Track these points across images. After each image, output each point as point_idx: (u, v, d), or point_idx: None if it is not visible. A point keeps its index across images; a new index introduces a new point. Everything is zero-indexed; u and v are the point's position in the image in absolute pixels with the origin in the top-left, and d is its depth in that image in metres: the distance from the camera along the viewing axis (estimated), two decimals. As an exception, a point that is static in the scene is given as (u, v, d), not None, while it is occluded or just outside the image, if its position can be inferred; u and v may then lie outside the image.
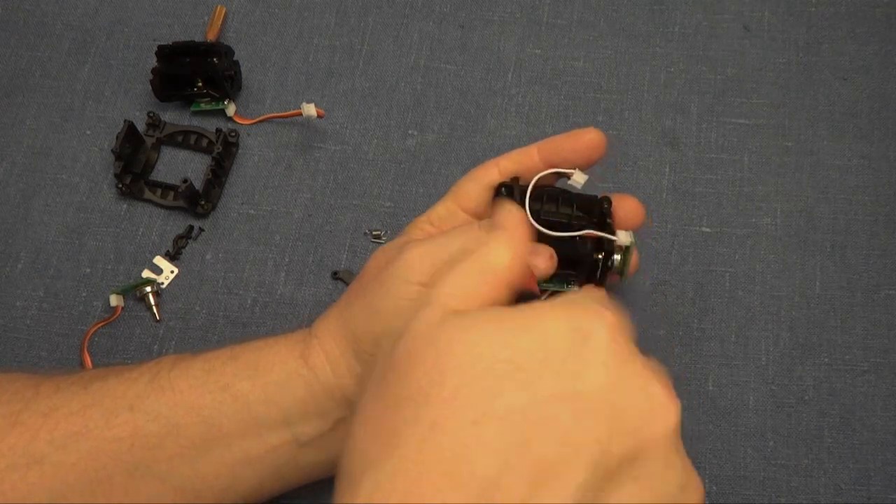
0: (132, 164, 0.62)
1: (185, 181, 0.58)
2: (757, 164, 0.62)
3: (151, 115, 0.64)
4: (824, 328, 0.57)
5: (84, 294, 0.59)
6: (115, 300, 0.58)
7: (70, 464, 0.42)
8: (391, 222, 0.61)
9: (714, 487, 0.53)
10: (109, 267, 0.60)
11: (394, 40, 0.67)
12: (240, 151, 0.64)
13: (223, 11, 0.67)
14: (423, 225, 0.48)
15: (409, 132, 0.64)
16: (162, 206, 0.62)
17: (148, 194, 0.62)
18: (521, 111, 0.65)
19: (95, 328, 0.58)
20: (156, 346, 0.58)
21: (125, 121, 0.60)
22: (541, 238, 0.44)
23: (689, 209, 0.61)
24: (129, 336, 0.58)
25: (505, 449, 0.30)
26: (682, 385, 0.56)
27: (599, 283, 0.47)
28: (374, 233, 0.61)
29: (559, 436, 0.31)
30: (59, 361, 0.57)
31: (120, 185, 0.61)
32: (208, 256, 0.60)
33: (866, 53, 0.65)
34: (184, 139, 0.64)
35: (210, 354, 0.46)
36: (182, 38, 0.67)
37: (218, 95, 0.64)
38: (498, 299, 0.38)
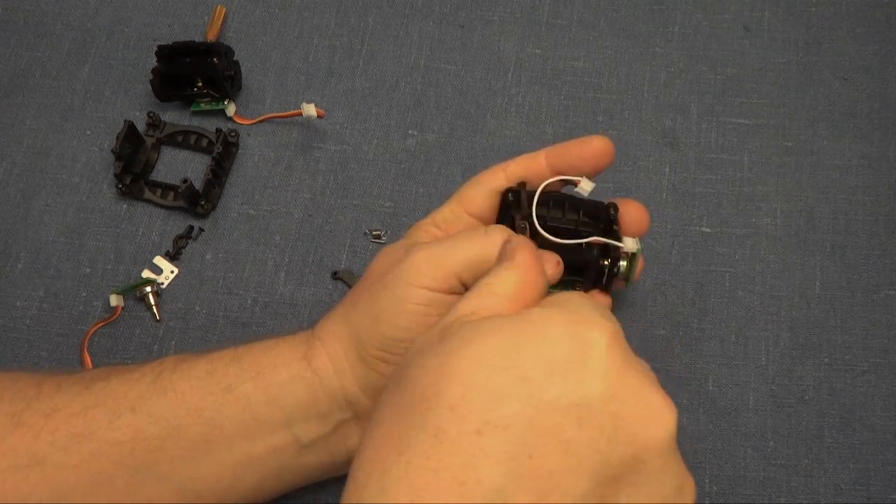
0: (132, 164, 0.62)
1: (185, 181, 0.58)
2: (757, 164, 0.62)
3: (151, 115, 0.64)
4: (824, 328, 0.57)
5: (84, 294, 0.59)
6: (115, 300, 0.58)
7: (72, 465, 0.42)
8: (391, 222, 0.61)
9: (714, 487, 0.53)
10: (109, 267, 0.60)
11: (394, 40, 0.67)
12: (240, 151, 0.64)
13: (223, 11, 0.67)
14: (427, 227, 0.48)
15: (409, 132, 0.64)
16: (162, 206, 0.62)
17: (148, 194, 0.62)
18: (521, 111, 0.65)
19: (95, 328, 0.58)
20: (156, 346, 0.58)
21: (125, 121, 0.60)
22: (547, 245, 0.44)
23: (689, 209, 0.61)
24: (129, 336, 0.58)
25: (509, 458, 0.30)
26: (682, 385, 0.56)
27: (605, 289, 0.47)
28: (374, 233, 0.61)
29: (562, 445, 0.31)
30: (59, 361, 0.57)
31: (120, 185, 0.61)
32: (208, 256, 0.60)
33: (866, 53, 0.65)
34: (184, 139, 0.64)
35: (212, 355, 0.46)
36: (182, 38, 0.67)
37: (218, 95, 0.64)
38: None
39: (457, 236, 0.44)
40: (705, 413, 0.55)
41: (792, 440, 0.54)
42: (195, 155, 0.64)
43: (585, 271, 0.46)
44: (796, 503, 0.53)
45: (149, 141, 0.63)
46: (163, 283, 0.59)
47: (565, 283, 0.46)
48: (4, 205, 0.62)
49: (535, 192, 0.45)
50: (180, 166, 0.64)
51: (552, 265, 0.43)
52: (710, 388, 0.56)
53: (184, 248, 0.61)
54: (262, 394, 0.44)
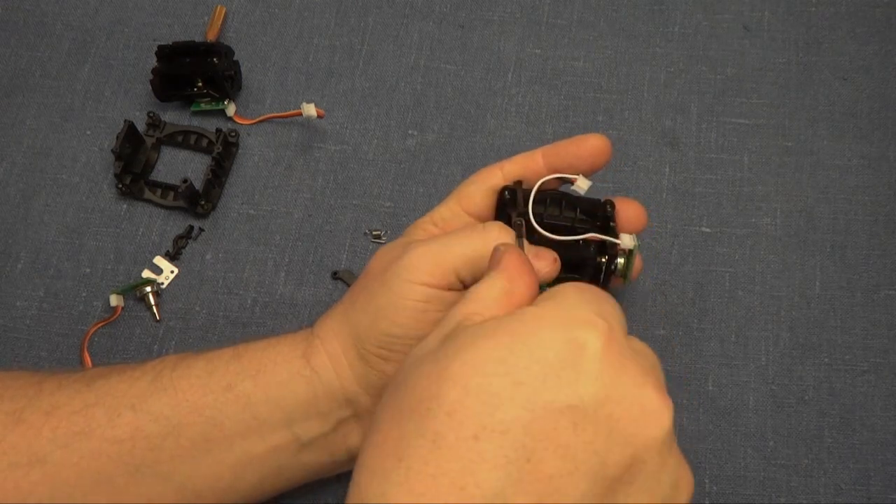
0: (132, 164, 0.62)
1: (185, 181, 0.58)
2: (757, 164, 0.62)
3: (151, 115, 0.64)
4: (824, 328, 0.57)
5: (84, 294, 0.59)
6: (115, 300, 0.58)
7: (72, 463, 0.42)
8: (391, 222, 0.61)
9: (714, 487, 0.53)
10: (109, 267, 0.60)
11: (394, 40, 0.67)
12: (240, 151, 0.64)
13: (223, 11, 0.67)
14: (426, 226, 0.48)
15: (409, 132, 0.64)
16: (162, 206, 0.62)
17: (148, 194, 0.62)
18: (521, 111, 0.65)
19: (95, 328, 0.58)
20: (156, 346, 0.58)
21: (125, 121, 0.60)
22: (544, 242, 0.44)
23: (689, 209, 0.61)
24: (129, 336, 0.58)
25: (507, 462, 0.31)
26: (682, 385, 0.56)
27: (603, 286, 0.47)
28: (374, 233, 0.61)
29: (559, 449, 0.31)
30: (59, 361, 0.57)
31: (120, 185, 0.61)
32: (208, 256, 0.60)
33: (866, 53, 0.65)
34: (184, 139, 0.64)
35: (212, 354, 0.46)
36: (182, 38, 0.67)
37: (218, 95, 0.64)
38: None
39: (454, 233, 0.44)
40: (705, 413, 0.55)
41: (792, 440, 0.54)
42: (195, 155, 0.64)
43: (582, 268, 0.46)
44: (796, 503, 0.53)
45: (149, 141, 0.63)
46: (163, 283, 0.59)
47: (562, 280, 0.46)
48: (4, 205, 0.62)
49: (532, 189, 0.45)
50: (180, 166, 0.64)
51: (549, 262, 0.43)
52: (710, 388, 0.56)
53: (184, 248, 0.61)
54: (261, 393, 0.44)
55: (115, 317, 0.58)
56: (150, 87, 0.64)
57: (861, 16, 0.67)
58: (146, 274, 0.60)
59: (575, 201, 0.47)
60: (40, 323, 0.58)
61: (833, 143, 0.63)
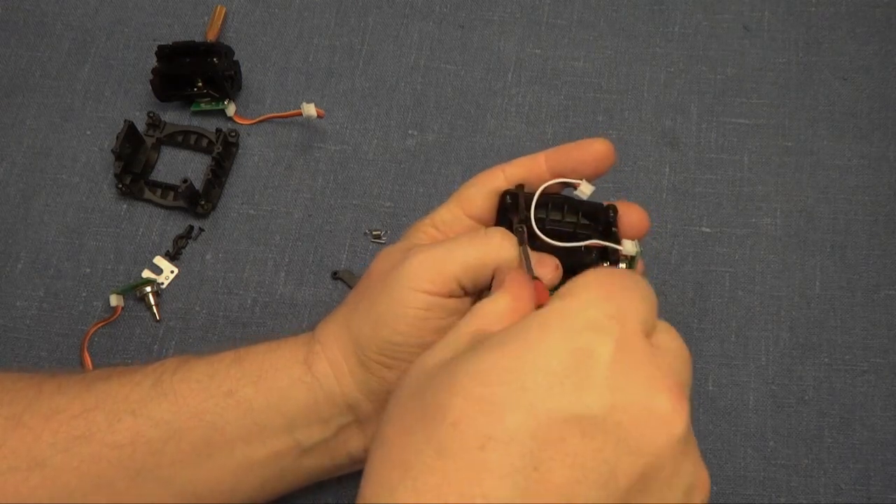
0: (132, 164, 0.62)
1: (185, 181, 0.58)
2: (757, 164, 0.62)
3: (151, 115, 0.64)
4: (824, 328, 0.57)
5: (84, 294, 0.59)
6: (115, 300, 0.58)
7: (72, 467, 0.42)
8: (391, 222, 0.61)
9: (714, 487, 0.53)
10: (109, 267, 0.60)
11: (394, 40, 0.67)
12: (240, 151, 0.64)
13: (223, 11, 0.67)
14: (426, 229, 0.47)
15: (409, 132, 0.64)
16: (162, 206, 0.62)
17: (148, 194, 0.62)
18: (521, 111, 0.65)
19: (95, 328, 0.58)
20: (156, 346, 0.58)
21: (125, 121, 0.60)
22: (545, 248, 0.44)
23: (689, 209, 0.61)
24: (129, 336, 0.58)
25: (514, 472, 0.30)
26: (682, 385, 0.56)
27: None
28: (374, 233, 0.61)
29: (567, 458, 0.31)
30: (59, 361, 0.57)
31: (120, 185, 0.61)
32: (208, 256, 0.60)
33: (866, 53, 0.65)
34: (184, 139, 0.64)
35: (213, 357, 0.45)
36: (182, 38, 0.67)
37: (218, 95, 0.64)
38: None
39: (456, 239, 0.44)
40: (705, 413, 0.55)
41: (792, 440, 0.54)
42: (195, 155, 0.64)
43: None
44: (796, 503, 0.53)
45: (149, 141, 0.63)
46: (163, 283, 0.59)
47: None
48: (4, 205, 0.62)
49: (534, 194, 0.45)
50: (180, 166, 0.64)
51: (551, 269, 0.43)
52: (710, 388, 0.56)
53: (184, 248, 0.61)
54: (263, 398, 0.44)
55: (115, 317, 0.58)
56: (150, 87, 0.64)
57: (861, 16, 0.67)
58: (146, 274, 0.60)
59: (577, 205, 0.46)
60: (40, 323, 0.58)
61: (833, 143, 0.63)
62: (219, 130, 0.63)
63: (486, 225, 0.46)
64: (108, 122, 0.65)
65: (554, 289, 0.44)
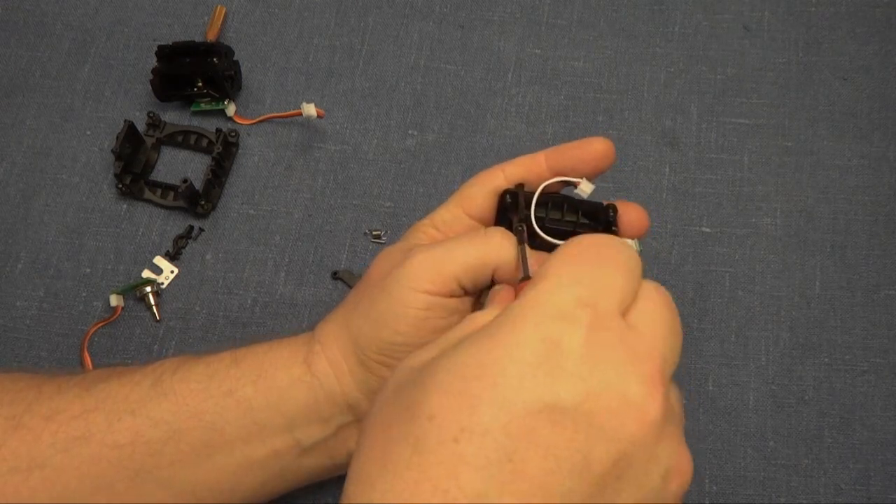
0: (132, 164, 0.62)
1: (185, 181, 0.58)
2: (757, 164, 0.62)
3: (151, 115, 0.64)
4: (824, 328, 0.57)
5: (84, 294, 0.59)
6: (115, 300, 0.58)
7: (72, 468, 0.42)
8: (391, 222, 0.61)
9: (714, 487, 0.53)
10: (109, 267, 0.60)
11: (394, 40, 0.67)
12: (240, 151, 0.64)
13: (223, 11, 0.67)
14: (426, 229, 0.47)
15: (409, 132, 0.64)
16: (162, 206, 0.62)
17: (148, 194, 0.62)
18: (521, 111, 0.65)
19: (95, 328, 0.58)
20: (156, 346, 0.58)
21: (125, 121, 0.60)
22: (545, 246, 0.44)
23: (689, 209, 0.61)
24: (129, 336, 0.58)
25: (488, 464, 0.30)
26: (682, 385, 0.55)
27: None
28: (374, 233, 0.61)
29: (540, 448, 0.31)
30: (59, 361, 0.57)
31: (120, 185, 0.61)
32: (208, 256, 0.60)
33: (866, 53, 0.65)
34: (184, 139, 0.64)
35: (212, 357, 0.45)
36: (182, 38, 0.67)
37: (218, 95, 0.64)
38: None
39: (456, 239, 0.44)
40: (705, 413, 0.55)
41: (792, 440, 0.54)
42: (195, 155, 0.64)
43: None
44: (796, 503, 0.53)
45: (149, 141, 0.63)
46: (163, 283, 0.59)
47: None
48: (4, 205, 0.62)
49: (534, 193, 0.45)
50: (180, 166, 0.64)
51: None
52: (710, 388, 0.56)
53: (184, 248, 0.61)
54: (262, 398, 0.44)
55: (115, 317, 0.58)
56: (150, 87, 0.64)
57: (861, 16, 0.67)
58: (146, 274, 0.60)
59: (577, 205, 0.46)
60: (40, 323, 0.58)
61: (833, 143, 0.63)
62: (219, 130, 0.63)
63: (487, 225, 0.46)
64: (108, 122, 0.65)
65: None
